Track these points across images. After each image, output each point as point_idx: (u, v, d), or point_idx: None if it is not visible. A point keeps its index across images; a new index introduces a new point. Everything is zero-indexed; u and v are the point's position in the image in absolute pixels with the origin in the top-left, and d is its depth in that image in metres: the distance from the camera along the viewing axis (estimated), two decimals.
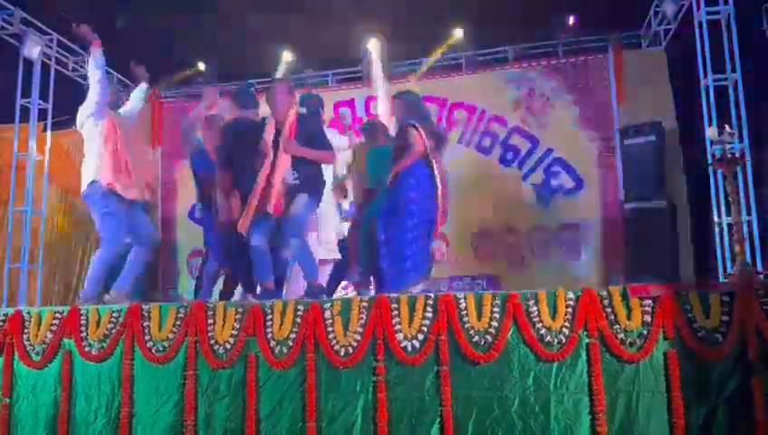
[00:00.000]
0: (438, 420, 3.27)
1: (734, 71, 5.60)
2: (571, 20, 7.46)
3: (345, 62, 8.06)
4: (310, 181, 4.28)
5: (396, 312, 3.43)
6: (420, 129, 4.36)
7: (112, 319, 3.73)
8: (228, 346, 3.54)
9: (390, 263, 4.24)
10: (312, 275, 4.29)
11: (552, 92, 7.47)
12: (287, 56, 8.02)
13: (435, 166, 4.39)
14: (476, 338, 3.31)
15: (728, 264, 5.46)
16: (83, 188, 4.45)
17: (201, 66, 8.14)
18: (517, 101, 7.59)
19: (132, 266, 4.42)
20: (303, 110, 4.58)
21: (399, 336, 3.38)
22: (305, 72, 8.29)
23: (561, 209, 7.22)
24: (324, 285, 4.66)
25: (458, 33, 7.58)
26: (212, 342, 3.56)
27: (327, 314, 3.50)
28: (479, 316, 3.34)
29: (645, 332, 3.17)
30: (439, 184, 4.37)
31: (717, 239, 5.64)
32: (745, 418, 3.01)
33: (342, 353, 3.43)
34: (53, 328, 3.78)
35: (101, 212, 4.36)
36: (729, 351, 3.08)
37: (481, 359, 3.28)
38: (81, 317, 3.78)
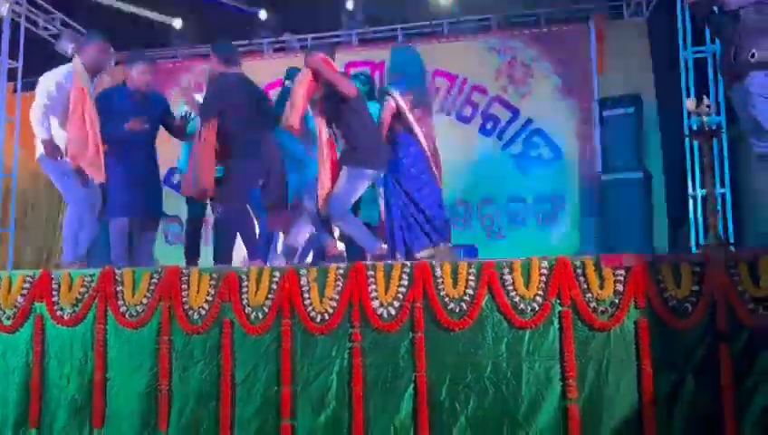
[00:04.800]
0: (412, 385, 3.30)
1: (713, 43, 5.61)
2: None
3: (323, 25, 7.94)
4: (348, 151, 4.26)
5: (372, 279, 3.43)
6: (396, 97, 4.36)
7: (85, 283, 3.68)
8: (203, 312, 3.52)
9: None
10: (371, 246, 4.25)
11: (533, 62, 7.43)
12: (263, 16, 7.85)
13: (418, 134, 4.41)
14: (451, 305, 3.33)
15: (701, 235, 5.55)
16: (38, 153, 4.33)
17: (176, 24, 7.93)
18: (499, 70, 7.55)
19: (85, 233, 4.37)
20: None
21: (375, 303, 3.39)
22: (283, 35, 8.14)
23: (539, 180, 7.25)
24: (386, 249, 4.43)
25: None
26: (186, 307, 3.53)
27: (303, 280, 3.49)
28: (455, 284, 3.35)
29: (616, 301, 3.20)
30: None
31: (691, 211, 5.72)
32: (712, 385, 3.08)
33: (318, 320, 3.43)
34: (24, 292, 3.72)
35: (59, 172, 4.29)
36: (698, 320, 3.13)
37: (455, 326, 3.30)
38: (53, 281, 3.72)
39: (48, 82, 4.30)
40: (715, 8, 3.59)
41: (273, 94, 5.53)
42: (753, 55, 3.40)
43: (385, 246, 4.33)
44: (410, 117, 4.47)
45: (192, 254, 4.90)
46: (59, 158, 4.24)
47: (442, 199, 4.67)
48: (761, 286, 3.07)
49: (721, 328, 3.10)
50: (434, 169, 4.59)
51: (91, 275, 3.70)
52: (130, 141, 4.55)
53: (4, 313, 3.73)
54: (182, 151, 5.09)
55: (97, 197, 4.43)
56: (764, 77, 3.41)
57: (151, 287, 3.60)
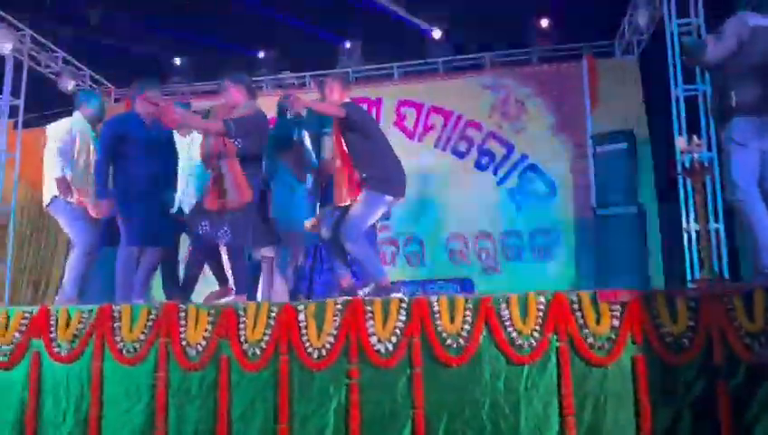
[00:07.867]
0: (410, 421, 3.28)
1: (703, 82, 5.73)
2: (546, 23, 7.62)
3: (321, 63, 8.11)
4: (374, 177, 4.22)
5: (370, 314, 3.43)
6: None
7: (82, 319, 3.67)
8: (200, 348, 3.51)
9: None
10: (378, 274, 4.16)
11: (527, 99, 7.57)
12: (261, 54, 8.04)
13: None
14: (449, 341, 3.33)
15: (695, 270, 5.58)
16: (46, 200, 4.51)
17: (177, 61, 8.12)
18: (493, 107, 7.67)
19: (75, 270, 4.45)
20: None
21: (373, 339, 3.39)
22: (283, 73, 8.29)
23: (534, 214, 7.31)
24: (390, 284, 4.28)
25: (436, 33, 7.69)
26: (183, 343, 3.53)
27: (301, 316, 3.49)
28: (452, 319, 3.36)
29: (613, 336, 3.22)
30: None
31: (686, 246, 5.76)
32: (710, 422, 3.07)
33: (316, 356, 3.42)
34: (22, 328, 3.71)
35: (71, 216, 4.48)
36: (695, 356, 3.14)
37: (453, 362, 3.30)
38: (51, 318, 3.71)
39: (60, 127, 4.55)
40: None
41: None
42: (732, 99, 3.48)
43: (389, 278, 4.26)
44: None
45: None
46: (70, 197, 4.42)
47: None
48: (755, 321, 3.10)
49: (717, 363, 3.11)
50: None
51: (88, 312, 3.70)
52: (145, 169, 4.40)
53: (1, 349, 3.71)
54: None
55: (98, 237, 4.54)
56: (742, 122, 3.49)
57: (149, 323, 3.60)
